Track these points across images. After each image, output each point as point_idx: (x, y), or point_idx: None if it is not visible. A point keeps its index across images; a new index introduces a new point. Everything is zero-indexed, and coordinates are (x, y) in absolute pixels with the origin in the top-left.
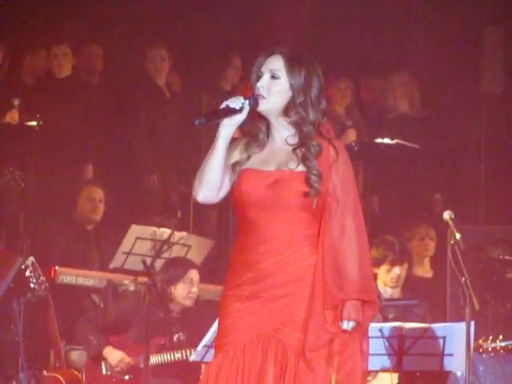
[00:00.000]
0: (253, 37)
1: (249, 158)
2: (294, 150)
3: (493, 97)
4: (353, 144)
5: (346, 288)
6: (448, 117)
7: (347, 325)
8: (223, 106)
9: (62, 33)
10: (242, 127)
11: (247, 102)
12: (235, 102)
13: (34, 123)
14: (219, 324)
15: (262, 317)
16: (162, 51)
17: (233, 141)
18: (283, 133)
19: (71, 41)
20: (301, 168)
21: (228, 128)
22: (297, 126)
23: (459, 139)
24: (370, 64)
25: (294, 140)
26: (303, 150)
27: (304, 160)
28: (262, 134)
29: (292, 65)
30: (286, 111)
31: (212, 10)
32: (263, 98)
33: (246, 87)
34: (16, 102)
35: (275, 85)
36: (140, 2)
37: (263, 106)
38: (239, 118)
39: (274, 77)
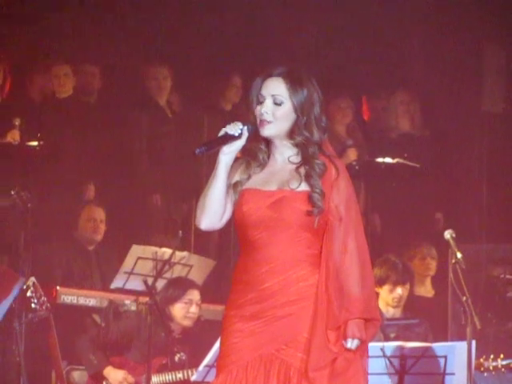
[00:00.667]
0: (253, 56)
1: (249, 177)
2: (296, 168)
3: (494, 116)
4: (353, 163)
5: (349, 308)
6: (449, 136)
7: (351, 343)
8: (222, 132)
9: (63, 52)
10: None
11: (246, 128)
12: (234, 129)
13: (34, 143)
14: (221, 344)
15: (264, 337)
16: (164, 70)
17: (233, 161)
18: (286, 153)
19: (72, 61)
20: (303, 187)
21: (228, 155)
22: (301, 146)
23: (460, 158)
24: (371, 83)
25: (297, 159)
26: (307, 168)
27: (307, 178)
28: (263, 153)
29: (294, 87)
30: (291, 134)
31: (211, 29)
32: (268, 123)
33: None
34: (17, 122)
35: (279, 110)
36: (139, 20)
37: (268, 132)
38: (238, 144)
39: (276, 103)
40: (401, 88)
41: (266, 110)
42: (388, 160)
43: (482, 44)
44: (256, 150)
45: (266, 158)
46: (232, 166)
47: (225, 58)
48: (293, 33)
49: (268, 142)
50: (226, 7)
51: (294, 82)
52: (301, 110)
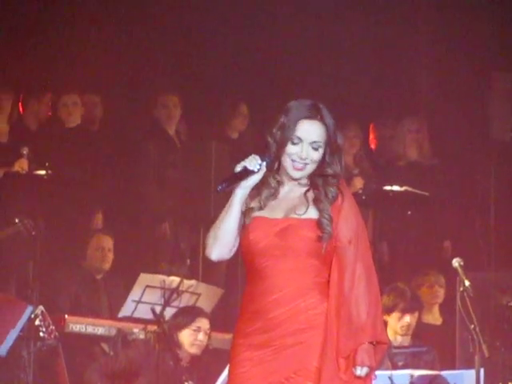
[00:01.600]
0: (259, 84)
1: (261, 207)
2: (305, 192)
3: (502, 144)
4: (360, 192)
5: (357, 334)
6: (457, 164)
7: (361, 371)
8: (241, 167)
9: (71, 82)
10: None
11: (264, 163)
12: (253, 164)
13: (42, 172)
14: (230, 373)
15: (273, 365)
16: (174, 98)
17: None
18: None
19: (80, 90)
20: (310, 212)
21: (244, 189)
22: (320, 174)
23: (468, 186)
24: (378, 111)
25: (306, 181)
26: (316, 192)
27: (316, 202)
28: (275, 183)
29: (331, 132)
30: (319, 171)
31: (217, 58)
32: (304, 167)
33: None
34: (25, 151)
35: (315, 155)
36: (146, 49)
37: (302, 175)
38: (256, 179)
39: (314, 148)
40: (408, 116)
41: (305, 155)
42: (396, 188)
43: (491, 71)
44: (270, 181)
45: (278, 187)
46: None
47: (231, 86)
48: (299, 62)
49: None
50: (232, 35)
51: (330, 127)
52: (334, 150)
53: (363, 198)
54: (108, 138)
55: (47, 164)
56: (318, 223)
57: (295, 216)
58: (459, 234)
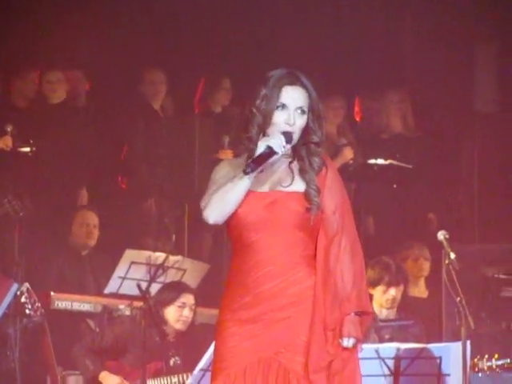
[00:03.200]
0: (242, 58)
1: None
2: (289, 163)
3: (486, 116)
4: (351, 162)
5: (342, 306)
6: (441, 136)
7: (347, 342)
8: (265, 148)
9: (54, 58)
10: (234, 148)
11: (289, 145)
12: (278, 146)
13: (27, 149)
14: (217, 348)
15: (262, 340)
16: (161, 74)
17: (227, 163)
18: None
19: (64, 66)
20: (296, 185)
21: (261, 167)
22: (304, 143)
23: (453, 158)
24: (363, 83)
25: (290, 152)
26: (300, 163)
27: (302, 173)
28: None
29: (314, 98)
30: (303, 137)
31: (200, 32)
32: (293, 133)
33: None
34: (9, 128)
35: (301, 120)
36: (130, 25)
37: (291, 143)
38: (276, 158)
39: (302, 112)
40: (392, 88)
41: (293, 121)
42: (380, 161)
43: (474, 44)
44: (252, 153)
45: None
46: (230, 167)
47: (214, 60)
48: (283, 33)
49: None
50: (215, 10)
51: (312, 92)
52: (317, 117)
53: (350, 169)
54: (93, 114)
55: (31, 141)
56: (306, 194)
57: (282, 189)
58: (444, 206)
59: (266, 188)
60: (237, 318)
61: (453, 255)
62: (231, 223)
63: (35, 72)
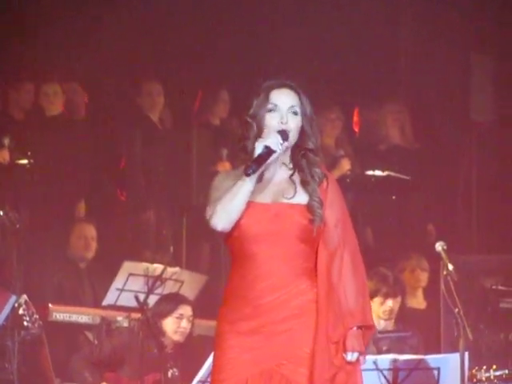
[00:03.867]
0: (241, 70)
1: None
2: (290, 176)
3: (483, 125)
4: (348, 173)
5: (345, 320)
6: (439, 147)
7: (352, 356)
8: (263, 148)
9: (51, 70)
10: (232, 160)
11: (286, 143)
12: (275, 144)
13: (24, 161)
14: (216, 359)
15: (264, 352)
16: (158, 86)
17: (226, 174)
18: (279, 160)
19: (61, 78)
20: (298, 197)
21: (262, 167)
22: (304, 154)
23: (450, 169)
24: (360, 94)
25: (291, 165)
26: (302, 174)
27: (304, 185)
28: None
29: (304, 100)
30: (299, 144)
31: (199, 44)
32: (289, 138)
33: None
34: (6, 141)
35: (295, 120)
36: (127, 37)
37: (288, 140)
38: (275, 157)
39: (294, 112)
40: (389, 99)
41: (286, 120)
42: (378, 173)
43: (470, 54)
44: (250, 163)
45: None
46: (229, 177)
47: (212, 73)
48: (281, 45)
49: None
50: (213, 22)
51: (302, 95)
52: (310, 120)
53: (347, 181)
54: (91, 126)
55: (29, 153)
56: (309, 207)
57: (285, 201)
58: (442, 217)
59: (268, 200)
60: (236, 329)
61: (451, 266)
62: (233, 234)
63: (31, 84)
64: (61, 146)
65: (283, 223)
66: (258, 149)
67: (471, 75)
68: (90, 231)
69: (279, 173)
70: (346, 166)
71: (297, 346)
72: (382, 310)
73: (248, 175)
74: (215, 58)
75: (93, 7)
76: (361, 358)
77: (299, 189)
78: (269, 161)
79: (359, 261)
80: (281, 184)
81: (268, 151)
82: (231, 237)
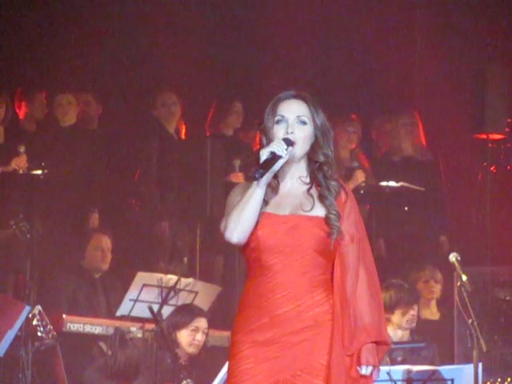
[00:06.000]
0: (254, 81)
1: (267, 203)
2: (308, 190)
3: (497, 137)
4: (362, 185)
5: (361, 335)
6: (453, 158)
7: (366, 370)
8: (268, 154)
9: (66, 81)
10: (245, 171)
11: (290, 148)
12: (280, 150)
13: (38, 172)
14: (232, 369)
15: (279, 363)
16: (173, 96)
17: (242, 186)
18: (296, 174)
19: (75, 89)
20: (316, 210)
21: (270, 174)
22: (319, 168)
23: (464, 181)
24: (375, 106)
25: (307, 180)
26: (319, 189)
27: (322, 199)
28: (273, 178)
29: (316, 109)
30: (310, 154)
31: (211, 55)
32: (294, 144)
33: (255, 136)
34: (22, 149)
35: (303, 131)
36: (139, 48)
37: (293, 152)
38: (282, 163)
39: (302, 122)
40: (403, 110)
41: (292, 130)
42: (392, 184)
43: (486, 65)
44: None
45: (278, 182)
46: (245, 190)
47: (225, 83)
48: (294, 59)
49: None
50: (227, 34)
51: (314, 105)
52: (321, 131)
53: (361, 192)
54: (105, 137)
55: (43, 164)
56: (326, 219)
57: (303, 213)
58: (455, 228)
59: (286, 212)
60: (251, 339)
61: (464, 277)
62: (250, 245)
63: (44, 94)
64: (75, 157)
65: (300, 235)
66: (264, 155)
67: (486, 86)
68: (107, 243)
69: (296, 186)
70: (360, 177)
71: (312, 357)
72: (404, 320)
73: (256, 179)
74: (229, 69)
75: (107, 18)
76: (375, 371)
77: (317, 202)
78: (276, 167)
79: (375, 277)
80: (298, 197)
81: (273, 156)
82: (248, 247)
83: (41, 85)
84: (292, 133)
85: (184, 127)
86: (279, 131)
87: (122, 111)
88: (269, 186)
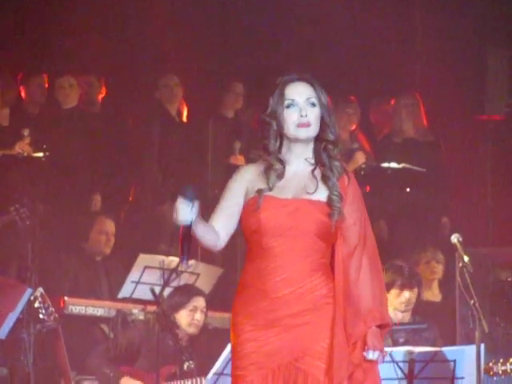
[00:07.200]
0: (255, 63)
1: (270, 189)
2: (312, 170)
3: (497, 119)
4: (362, 166)
5: (366, 318)
6: (453, 140)
7: (373, 355)
8: (179, 226)
9: (67, 63)
10: (245, 153)
11: (195, 204)
12: (185, 215)
13: (40, 154)
14: (235, 352)
15: (281, 346)
16: (175, 78)
17: (244, 169)
18: (302, 155)
19: (76, 71)
20: (320, 191)
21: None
22: (325, 148)
23: (465, 162)
24: (375, 87)
25: (313, 160)
26: (322, 169)
27: (325, 180)
28: (280, 162)
29: (321, 91)
30: (320, 135)
31: (212, 38)
32: (308, 125)
33: (254, 118)
34: (25, 133)
35: (314, 112)
36: (142, 30)
37: (309, 134)
38: (196, 206)
39: (312, 104)
40: (404, 92)
41: (305, 112)
42: (394, 165)
43: (486, 47)
44: (273, 163)
45: (283, 167)
46: (246, 173)
47: (226, 65)
48: (296, 38)
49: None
50: (228, 14)
51: (317, 86)
52: (327, 110)
53: (362, 173)
54: (107, 119)
55: (45, 146)
56: (328, 200)
57: (306, 196)
58: (457, 210)
59: (289, 195)
60: (254, 322)
61: (466, 258)
62: (251, 227)
63: (45, 77)
64: (77, 139)
65: (301, 219)
66: (178, 225)
67: (486, 68)
68: (111, 226)
69: (301, 168)
70: (360, 159)
71: (314, 340)
72: (398, 302)
73: (186, 265)
74: (231, 50)
75: (109, 1)
76: (380, 356)
77: (320, 184)
78: (195, 231)
79: (377, 260)
80: (303, 179)
81: (184, 229)
82: (249, 230)
83: (43, 67)
84: (306, 116)
85: (186, 109)
86: (291, 114)
87: (124, 93)
88: (274, 171)
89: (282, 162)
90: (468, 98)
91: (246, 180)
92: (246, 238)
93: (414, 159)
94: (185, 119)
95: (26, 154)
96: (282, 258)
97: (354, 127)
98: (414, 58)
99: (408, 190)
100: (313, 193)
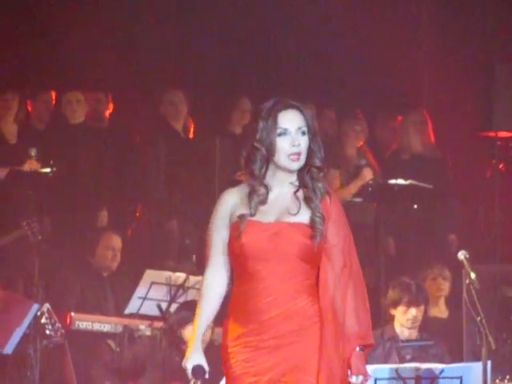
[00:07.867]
0: (262, 79)
1: (253, 214)
2: (294, 192)
3: (505, 135)
4: (370, 182)
5: (350, 341)
6: (461, 156)
7: (357, 379)
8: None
9: (74, 79)
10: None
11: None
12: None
13: (47, 170)
14: (227, 374)
15: (271, 365)
16: (180, 94)
17: (227, 193)
18: (286, 180)
19: (84, 87)
20: (302, 213)
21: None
22: (310, 170)
23: (472, 178)
24: (383, 105)
25: (297, 183)
26: (305, 190)
27: (307, 201)
28: (264, 188)
29: (309, 117)
30: (307, 161)
31: (219, 54)
32: (299, 155)
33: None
34: (33, 153)
35: (304, 141)
36: (149, 46)
37: (300, 164)
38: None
39: (302, 133)
40: (412, 108)
41: (298, 142)
42: (401, 181)
43: (494, 64)
44: (257, 188)
45: (266, 193)
46: (232, 197)
47: (234, 81)
48: (302, 56)
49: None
50: (234, 31)
51: (306, 112)
52: (315, 137)
53: (369, 190)
54: (114, 135)
55: (52, 162)
56: (311, 222)
57: (287, 219)
58: (464, 226)
59: (271, 219)
60: (242, 344)
61: (473, 275)
62: (235, 252)
63: (50, 92)
64: (83, 155)
65: (282, 242)
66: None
67: (494, 84)
68: (117, 242)
69: (285, 191)
70: (368, 175)
71: (302, 358)
72: (405, 319)
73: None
74: (237, 66)
75: (115, 16)
76: (364, 380)
77: (303, 205)
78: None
79: (362, 281)
80: (285, 201)
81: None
82: (234, 254)
83: (51, 84)
84: (299, 145)
85: (192, 125)
86: (284, 143)
87: (131, 110)
88: (257, 196)
89: (267, 188)
90: (475, 114)
91: (231, 204)
92: (231, 262)
93: (421, 176)
94: (191, 135)
95: (33, 169)
96: (267, 281)
97: (361, 143)
98: (420, 73)
99: (415, 206)
100: (295, 214)
